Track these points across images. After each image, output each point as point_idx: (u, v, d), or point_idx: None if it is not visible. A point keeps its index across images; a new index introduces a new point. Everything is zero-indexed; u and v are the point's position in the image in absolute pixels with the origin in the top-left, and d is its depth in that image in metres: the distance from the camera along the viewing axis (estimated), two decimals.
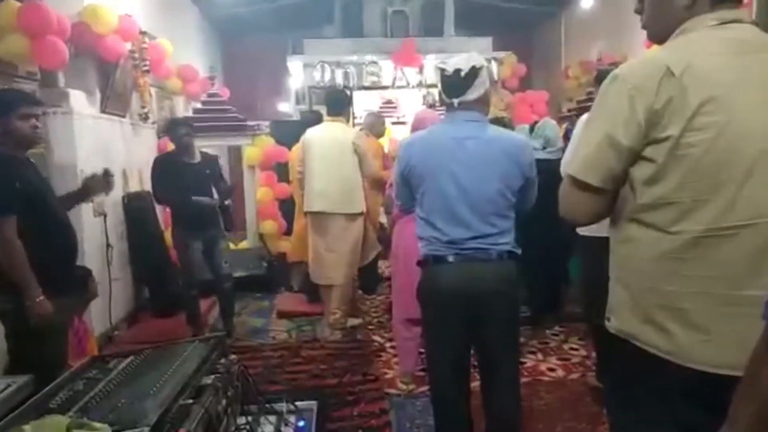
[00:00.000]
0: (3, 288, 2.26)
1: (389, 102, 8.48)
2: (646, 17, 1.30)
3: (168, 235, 4.77)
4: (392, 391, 3.26)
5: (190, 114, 5.95)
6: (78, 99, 3.93)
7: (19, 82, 3.51)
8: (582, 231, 2.73)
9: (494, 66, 8.24)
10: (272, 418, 1.86)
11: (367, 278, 5.07)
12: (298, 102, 8.57)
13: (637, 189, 1.18)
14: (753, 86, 1.10)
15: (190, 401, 1.48)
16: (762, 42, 1.17)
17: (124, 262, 4.57)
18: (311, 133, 4.14)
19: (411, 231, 2.50)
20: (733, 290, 1.10)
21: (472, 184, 1.99)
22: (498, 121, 4.19)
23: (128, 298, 4.65)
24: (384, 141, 5.61)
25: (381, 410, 2.97)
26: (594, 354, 3.41)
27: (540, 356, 3.69)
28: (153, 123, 5.48)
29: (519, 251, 2.08)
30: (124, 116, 4.78)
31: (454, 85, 2.01)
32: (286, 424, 1.86)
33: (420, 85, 8.52)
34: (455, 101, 2.02)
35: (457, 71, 2.00)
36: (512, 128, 3.92)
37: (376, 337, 4.17)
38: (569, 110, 7.17)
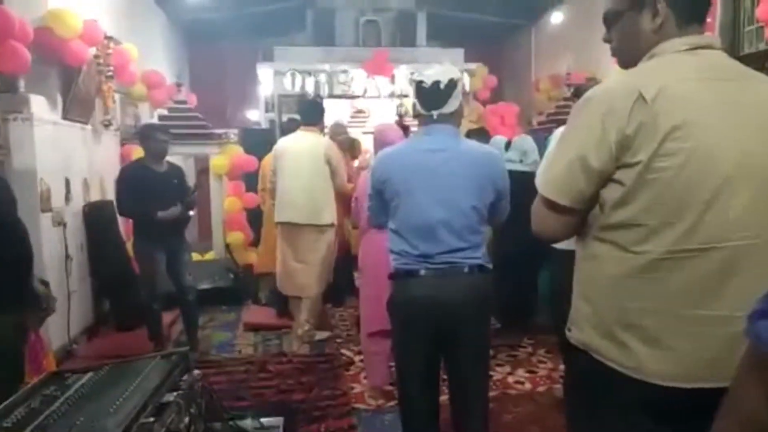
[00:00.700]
0: None
1: (360, 111, 8.50)
2: (615, 45, 1.32)
3: (130, 246, 4.65)
4: (360, 406, 3.22)
5: (155, 121, 5.83)
6: (39, 104, 3.82)
7: None
8: (557, 244, 2.76)
9: (466, 77, 8.34)
10: None
11: (336, 290, 5.02)
12: (267, 110, 8.52)
13: (605, 209, 1.19)
14: (722, 113, 1.12)
15: (152, 419, 1.45)
16: (732, 69, 1.20)
17: (83, 274, 4.44)
18: (283, 143, 4.10)
19: (379, 244, 2.48)
20: (693, 309, 1.13)
21: (446, 197, 1.99)
22: (480, 132, 4.27)
23: (87, 310, 4.50)
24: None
25: (349, 426, 2.94)
26: (562, 366, 3.44)
27: (508, 368, 3.71)
28: (116, 130, 5.37)
29: (490, 265, 2.08)
30: (86, 123, 4.66)
31: (433, 97, 2.00)
32: None
33: (392, 95, 8.56)
34: (434, 113, 2.01)
35: (436, 83, 1.99)
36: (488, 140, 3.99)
37: (345, 351, 4.12)
38: (539, 123, 7.29)
